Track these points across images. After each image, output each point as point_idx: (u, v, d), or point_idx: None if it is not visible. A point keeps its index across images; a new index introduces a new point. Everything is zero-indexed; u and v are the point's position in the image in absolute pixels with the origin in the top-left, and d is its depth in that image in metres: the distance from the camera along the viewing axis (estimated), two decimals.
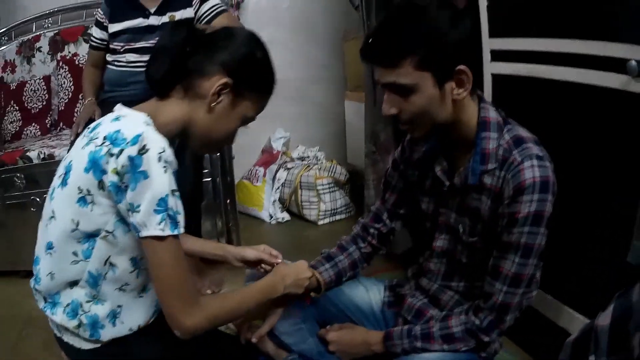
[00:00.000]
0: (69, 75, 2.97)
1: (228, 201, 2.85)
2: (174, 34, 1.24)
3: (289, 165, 3.51)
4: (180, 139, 1.30)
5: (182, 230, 1.13)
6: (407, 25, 1.25)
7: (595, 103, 1.54)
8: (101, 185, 1.11)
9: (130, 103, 1.23)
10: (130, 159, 1.07)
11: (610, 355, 0.91)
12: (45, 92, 2.98)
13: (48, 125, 2.99)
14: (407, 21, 1.25)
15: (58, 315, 1.22)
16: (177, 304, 1.14)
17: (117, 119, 1.16)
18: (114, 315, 1.22)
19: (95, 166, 1.11)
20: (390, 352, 1.48)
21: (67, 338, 1.25)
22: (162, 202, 1.09)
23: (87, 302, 1.21)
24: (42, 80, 2.99)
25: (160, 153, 1.08)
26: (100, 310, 1.21)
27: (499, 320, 1.36)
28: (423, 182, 1.54)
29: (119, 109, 1.21)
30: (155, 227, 1.09)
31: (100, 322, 1.21)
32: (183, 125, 1.24)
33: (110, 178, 1.09)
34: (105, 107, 2.38)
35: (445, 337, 1.41)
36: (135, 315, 1.24)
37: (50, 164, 2.49)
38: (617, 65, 1.41)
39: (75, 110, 2.93)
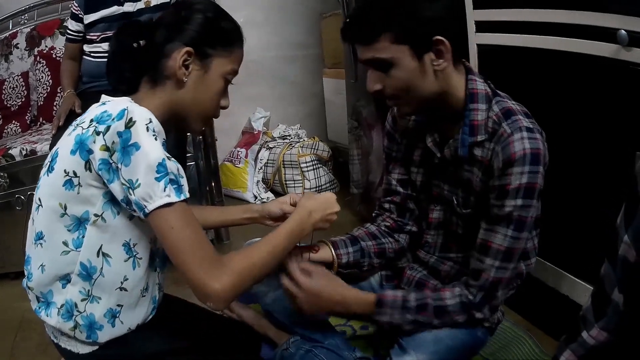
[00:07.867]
0: (47, 69, 2.93)
1: (213, 184, 2.83)
2: (121, 39, 1.24)
3: (271, 144, 3.51)
4: (176, 127, 1.29)
5: (187, 195, 1.08)
6: (383, 2, 1.27)
7: (582, 71, 1.54)
8: (88, 165, 1.08)
9: (110, 92, 1.23)
10: (119, 134, 1.04)
11: (598, 320, 0.94)
12: (23, 88, 2.94)
13: (28, 122, 2.96)
14: None
15: (53, 318, 1.17)
16: (199, 270, 1.05)
17: (103, 104, 1.15)
18: (112, 315, 1.18)
19: (81, 147, 1.08)
20: (374, 319, 1.41)
21: (64, 343, 1.21)
22: (161, 166, 1.05)
23: (82, 300, 1.16)
24: (20, 76, 2.96)
25: (147, 124, 1.06)
26: (97, 309, 1.16)
27: (490, 297, 1.35)
28: (412, 152, 1.54)
29: (104, 97, 1.19)
30: (160, 195, 1.04)
31: (97, 322, 1.17)
32: (168, 113, 1.22)
33: (99, 155, 1.05)
34: (85, 98, 2.38)
35: (438, 309, 1.37)
36: (135, 315, 1.21)
37: (33, 160, 2.46)
38: (605, 34, 1.41)
39: (55, 104, 2.91)
